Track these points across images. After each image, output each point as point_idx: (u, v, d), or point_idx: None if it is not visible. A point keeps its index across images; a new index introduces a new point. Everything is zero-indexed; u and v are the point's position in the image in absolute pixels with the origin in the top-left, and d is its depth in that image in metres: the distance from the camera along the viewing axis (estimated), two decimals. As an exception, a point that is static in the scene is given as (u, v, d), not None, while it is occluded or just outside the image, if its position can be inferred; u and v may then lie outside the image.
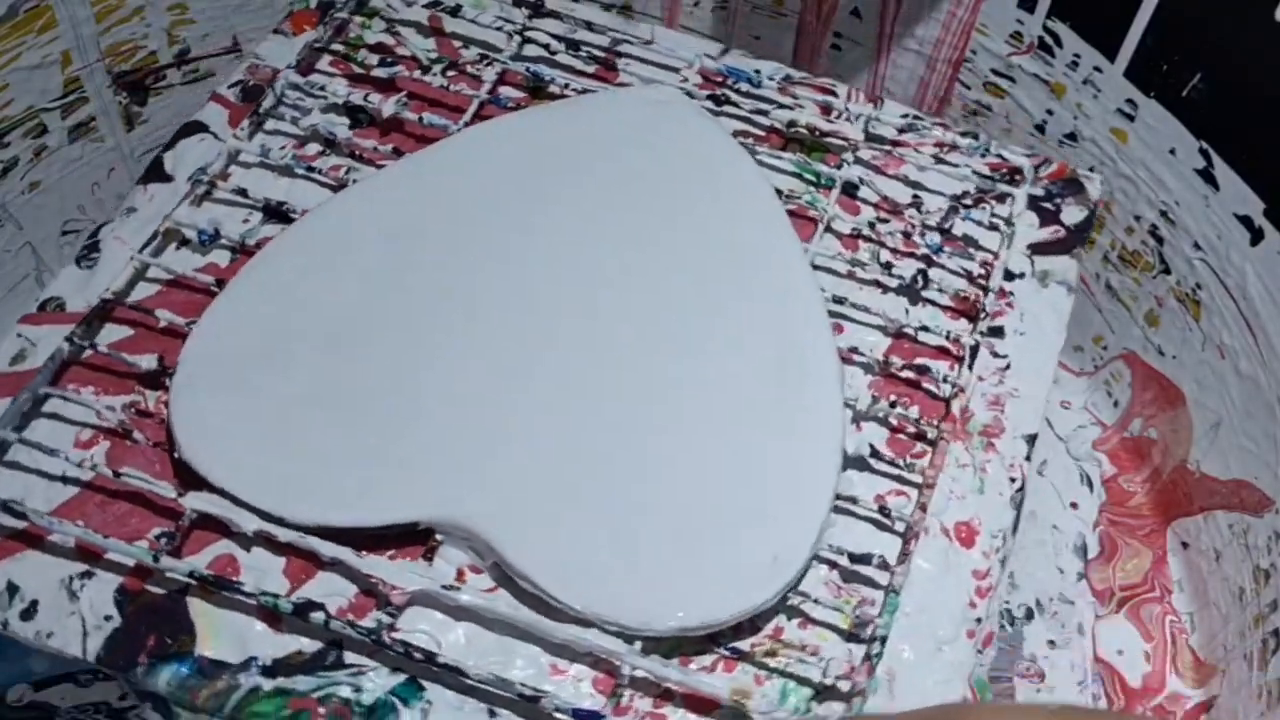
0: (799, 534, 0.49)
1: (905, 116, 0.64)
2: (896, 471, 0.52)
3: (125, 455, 0.52)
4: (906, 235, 0.59)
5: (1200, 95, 0.65)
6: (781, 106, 0.63)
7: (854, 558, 0.49)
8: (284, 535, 0.49)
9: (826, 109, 0.63)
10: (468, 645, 0.48)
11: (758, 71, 0.65)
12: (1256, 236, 0.64)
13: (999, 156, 0.62)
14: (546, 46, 0.65)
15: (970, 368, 0.55)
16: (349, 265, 0.55)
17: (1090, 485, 0.77)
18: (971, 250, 0.59)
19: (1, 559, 0.49)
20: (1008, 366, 0.56)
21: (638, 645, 0.47)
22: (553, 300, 0.54)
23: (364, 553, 0.49)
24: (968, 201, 0.61)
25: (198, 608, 0.49)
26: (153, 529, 0.50)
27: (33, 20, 0.67)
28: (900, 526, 0.50)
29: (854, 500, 0.51)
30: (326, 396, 0.52)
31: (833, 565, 0.50)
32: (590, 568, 0.48)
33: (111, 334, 0.55)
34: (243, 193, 0.59)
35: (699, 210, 0.57)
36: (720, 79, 0.64)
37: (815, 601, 0.49)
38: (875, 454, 0.52)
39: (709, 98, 0.63)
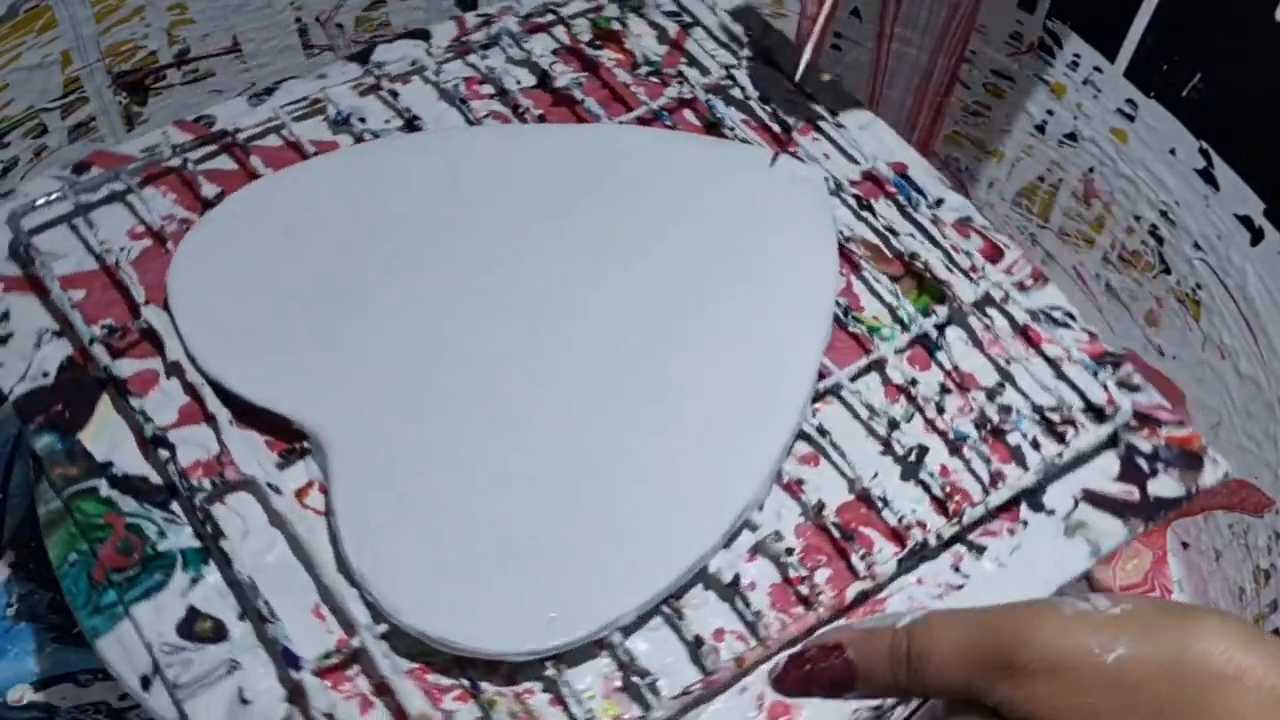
0: (588, 615, 0.45)
1: (1056, 309, 0.57)
2: (750, 617, 0.47)
3: (151, 258, 0.56)
4: (942, 410, 0.53)
5: (1200, 95, 0.65)
6: (922, 235, 0.59)
7: (635, 669, 0.45)
8: (191, 375, 0.51)
9: (972, 267, 0.57)
10: (267, 551, 0.48)
11: (940, 201, 0.60)
12: (1256, 236, 0.64)
13: (1105, 387, 0.54)
14: (744, 89, 0.63)
15: (904, 565, 0.48)
16: (398, 189, 0.56)
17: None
18: (1011, 462, 0.52)
19: (11, 290, 0.55)
20: (960, 587, 0.49)
21: (381, 627, 0.45)
22: (541, 298, 0.53)
23: (242, 426, 0.51)
24: (1053, 416, 0.53)
25: (104, 403, 0.52)
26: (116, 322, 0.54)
27: (33, 20, 0.68)
28: (710, 665, 0.46)
29: (680, 615, 0.47)
30: (296, 284, 0.54)
31: (620, 665, 0.46)
32: (386, 536, 0.47)
33: (216, 162, 0.60)
34: (395, 96, 0.62)
35: (746, 282, 0.54)
36: (887, 187, 0.60)
37: (568, 685, 0.45)
38: (738, 585, 0.47)
39: (855, 197, 0.59)
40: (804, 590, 0.48)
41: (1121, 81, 0.69)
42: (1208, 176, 0.66)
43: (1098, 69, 0.71)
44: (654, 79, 0.64)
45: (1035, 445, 0.52)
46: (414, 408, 0.50)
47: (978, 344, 0.56)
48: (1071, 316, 0.57)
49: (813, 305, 0.53)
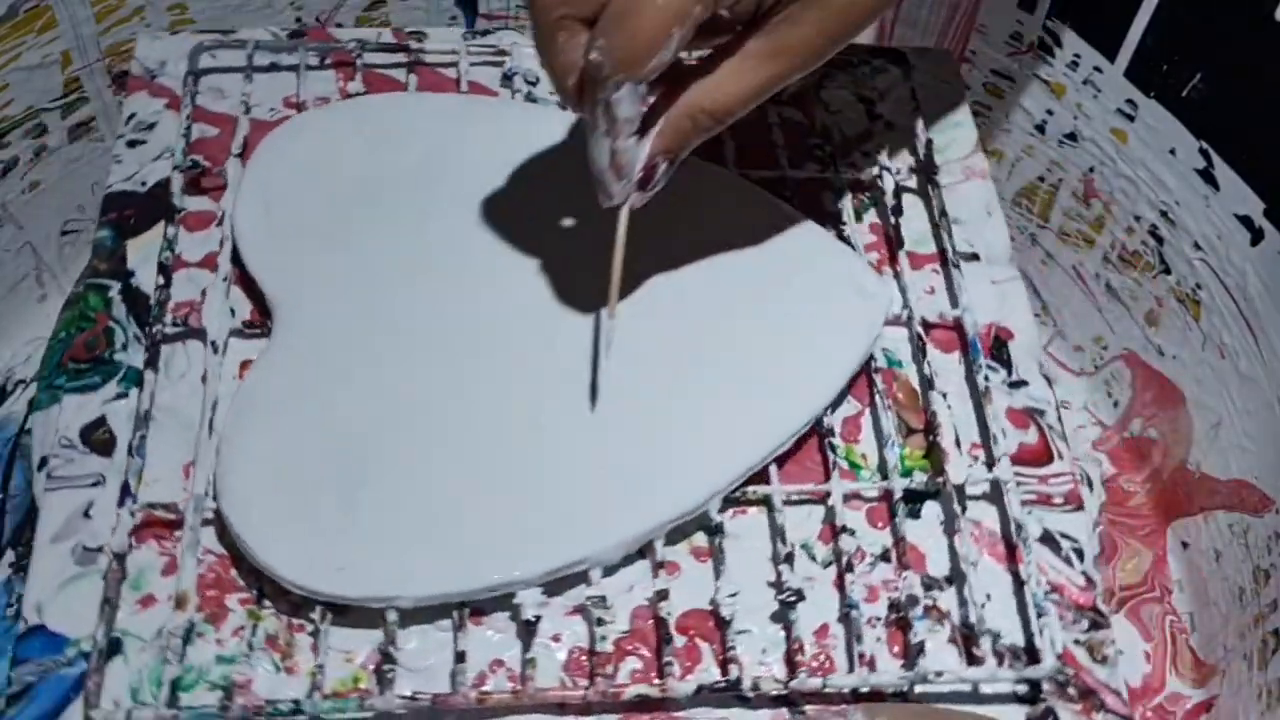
0: (368, 583, 0.45)
1: (1067, 537, 0.51)
2: (525, 663, 0.45)
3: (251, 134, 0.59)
4: (851, 569, 0.48)
5: (1200, 95, 0.65)
6: (969, 402, 0.54)
7: (388, 653, 0.45)
8: (226, 228, 0.55)
9: (988, 460, 0.53)
10: (189, 398, 0.51)
11: (1022, 384, 0.55)
12: (1256, 236, 0.63)
13: (1041, 632, 0.47)
14: (885, 192, 0.60)
15: (705, 695, 0.45)
16: (497, 148, 0.57)
17: (1090, 485, 0.77)
18: (901, 660, 0.47)
19: (170, 108, 0.61)
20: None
21: (213, 505, 0.47)
22: (553, 301, 0.53)
23: (238, 286, 0.54)
24: (983, 638, 0.48)
25: (160, 226, 0.56)
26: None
27: (33, 20, 0.68)
28: (455, 685, 0.44)
29: (464, 627, 0.46)
30: (347, 192, 0.56)
31: (388, 653, 0.45)
32: (260, 425, 0.48)
33: (387, 70, 0.63)
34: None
35: (742, 358, 0.52)
36: (962, 342, 0.56)
37: (328, 638, 0.45)
38: (534, 629, 0.46)
39: (919, 337, 0.55)
40: (597, 667, 0.45)
41: (1121, 81, 0.69)
42: (1208, 176, 0.66)
43: (1098, 69, 0.70)
44: (817, 151, 0.62)
45: (920, 651, 0.47)
46: (371, 336, 0.51)
47: (948, 530, 0.51)
48: (1080, 554, 0.51)
49: (782, 413, 0.50)
